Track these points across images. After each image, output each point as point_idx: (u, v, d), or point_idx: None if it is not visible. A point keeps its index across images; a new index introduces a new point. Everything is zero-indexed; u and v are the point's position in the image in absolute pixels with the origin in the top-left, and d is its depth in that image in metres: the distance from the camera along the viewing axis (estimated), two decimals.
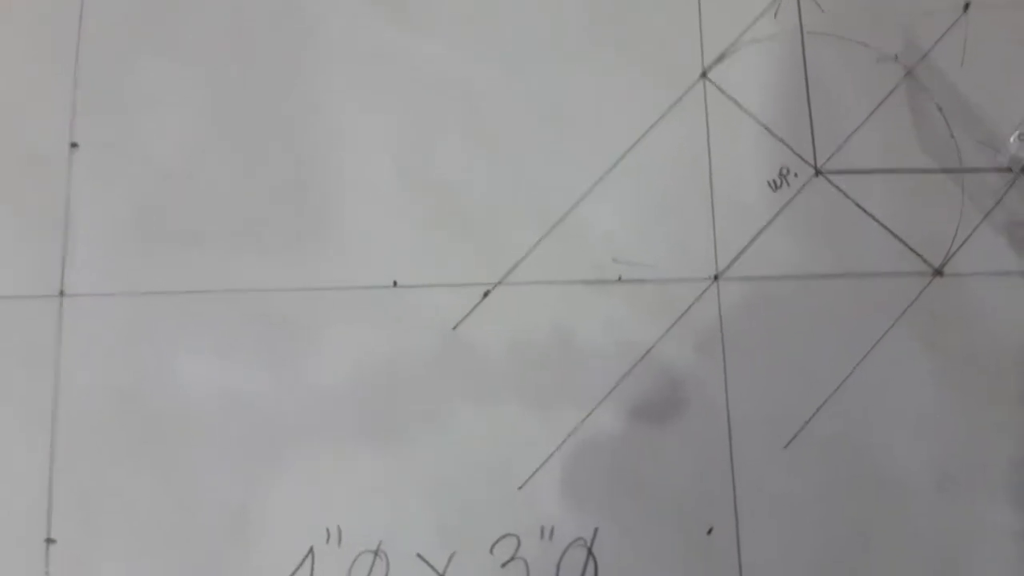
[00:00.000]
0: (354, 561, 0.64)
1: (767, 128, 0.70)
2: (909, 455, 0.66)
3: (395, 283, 0.67)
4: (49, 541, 0.64)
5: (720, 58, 0.71)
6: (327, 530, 0.64)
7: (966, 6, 0.73)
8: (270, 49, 0.71)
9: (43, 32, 0.70)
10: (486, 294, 0.67)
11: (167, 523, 0.64)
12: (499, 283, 0.67)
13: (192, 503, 0.65)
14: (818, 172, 0.70)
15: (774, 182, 0.69)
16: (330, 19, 0.71)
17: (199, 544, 0.64)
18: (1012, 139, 0.68)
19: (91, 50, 0.71)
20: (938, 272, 0.68)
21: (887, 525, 0.65)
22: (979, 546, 0.65)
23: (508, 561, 0.64)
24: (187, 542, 0.64)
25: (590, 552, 0.64)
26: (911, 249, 0.69)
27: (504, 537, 0.64)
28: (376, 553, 0.64)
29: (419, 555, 0.64)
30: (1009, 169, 0.69)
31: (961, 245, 0.69)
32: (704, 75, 0.71)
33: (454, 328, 0.67)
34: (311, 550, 0.64)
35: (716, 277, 0.68)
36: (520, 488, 0.65)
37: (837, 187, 0.69)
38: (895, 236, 0.69)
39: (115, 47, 0.71)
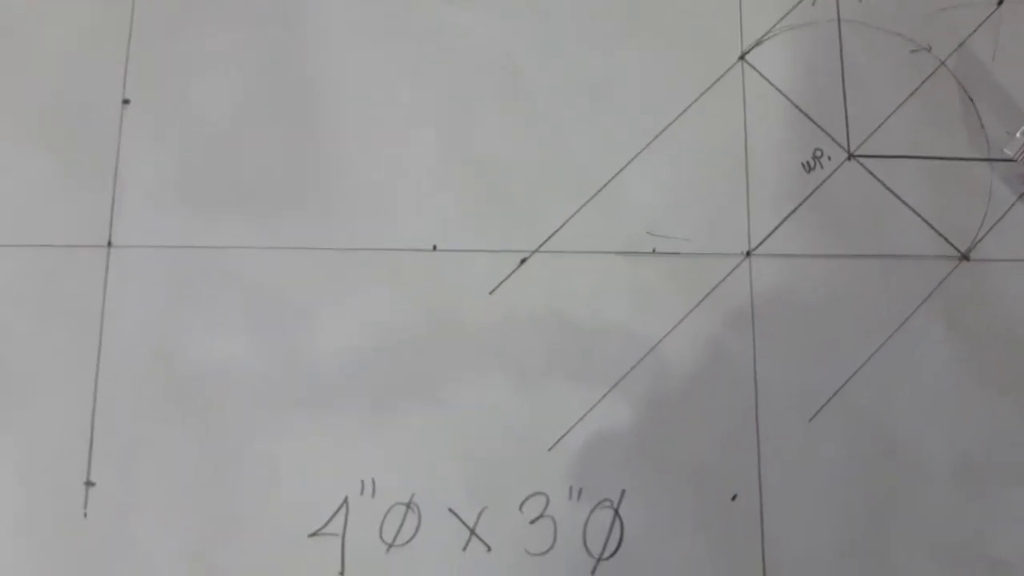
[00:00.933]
0: (387, 512, 0.65)
1: (802, 111, 0.72)
2: (929, 434, 0.67)
3: (435, 247, 0.69)
4: (88, 484, 0.66)
5: (758, 42, 0.73)
6: (362, 482, 0.66)
7: (1000, 1, 0.74)
8: (321, 18, 0.72)
9: None
10: (523, 261, 0.69)
11: (204, 472, 0.66)
12: (536, 251, 0.69)
13: (228, 453, 0.66)
14: (851, 156, 0.71)
15: (808, 164, 0.71)
16: None
17: (234, 493, 0.66)
18: (1019, 133, 0.70)
19: (146, 9, 0.72)
20: (964, 257, 0.70)
21: (906, 501, 0.66)
22: (995, 527, 0.67)
23: (537, 518, 0.65)
24: (223, 491, 0.66)
25: (617, 513, 0.66)
26: (939, 234, 0.70)
27: (533, 495, 0.66)
28: (408, 506, 0.65)
29: (450, 509, 0.65)
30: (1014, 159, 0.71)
31: (988, 231, 0.70)
32: (742, 58, 0.73)
33: (491, 293, 0.69)
34: (346, 500, 0.65)
35: (748, 253, 0.69)
36: (550, 449, 0.66)
37: (869, 171, 0.71)
38: (924, 220, 0.70)
39: (169, 7, 0.72)
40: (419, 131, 0.71)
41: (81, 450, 0.66)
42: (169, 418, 0.67)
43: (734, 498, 0.66)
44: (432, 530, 0.65)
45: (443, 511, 0.65)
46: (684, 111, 0.71)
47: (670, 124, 0.71)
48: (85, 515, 0.66)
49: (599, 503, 0.66)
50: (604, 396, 0.67)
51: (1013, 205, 0.71)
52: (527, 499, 0.66)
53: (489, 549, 0.65)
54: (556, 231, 0.69)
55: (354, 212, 0.69)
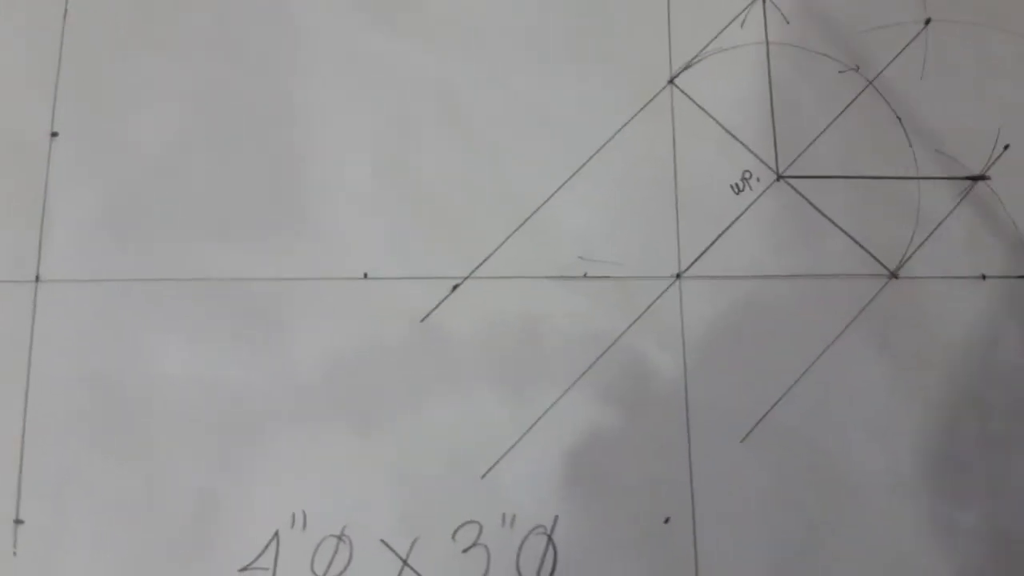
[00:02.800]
0: (318, 545, 0.65)
1: (731, 133, 0.72)
2: (862, 452, 0.68)
3: (366, 275, 0.69)
4: (17, 522, 0.65)
5: (687, 66, 0.74)
6: (293, 515, 0.65)
7: (927, 20, 0.75)
8: (251, 46, 0.72)
9: (27, 21, 0.72)
10: (455, 287, 0.69)
11: (135, 507, 0.65)
12: (468, 277, 0.69)
13: (160, 487, 0.66)
14: (779, 177, 0.72)
15: (737, 185, 0.71)
16: (312, 18, 0.73)
17: (166, 527, 0.65)
18: None
19: (74, 40, 0.72)
20: (894, 275, 0.71)
21: (840, 520, 0.67)
22: (928, 543, 0.67)
23: (470, 547, 0.65)
24: (154, 525, 0.65)
25: (550, 539, 0.65)
26: (868, 252, 0.71)
27: (466, 524, 0.65)
28: (340, 538, 0.65)
29: (382, 540, 0.65)
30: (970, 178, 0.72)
31: (916, 249, 0.71)
32: (671, 81, 0.73)
33: (423, 320, 0.68)
34: (276, 534, 0.65)
35: (679, 276, 0.70)
36: (483, 476, 0.66)
37: (798, 191, 0.72)
38: (853, 240, 0.71)
39: (98, 38, 0.72)
40: (354, 157, 0.71)
41: (9, 487, 0.65)
42: (99, 453, 0.66)
43: (667, 521, 0.66)
44: (364, 562, 0.65)
45: (375, 542, 0.65)
46: (614, 136, 0.71)
47: (600, 149, 0.71)
48: (15, 554, 0.65)
49: (533, 529, 0.66)
50: (537, 421, 0.67)
51: (941, 222, 0.72)
52: (460, 527, 0.65)
53: None
54: (488, 257, 0.69)
55: (286, 241, 0.69)
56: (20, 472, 0.66)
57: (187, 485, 0.65)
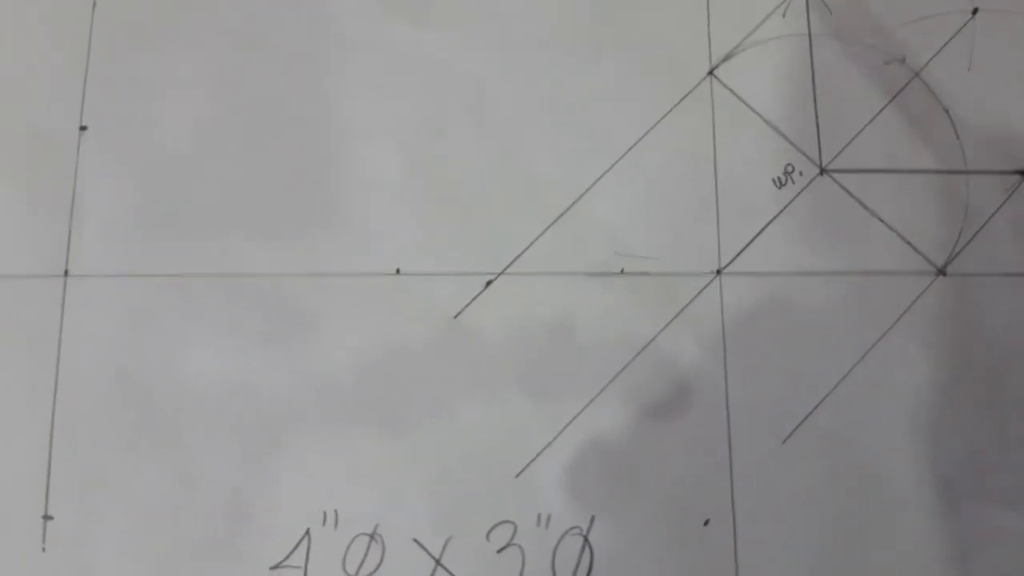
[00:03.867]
0: (350, 544, 0.64)
1: (773, 126, 0.70)
2: (907, 455, 0.66)
3: (398, 271, 0.68)
4: (46, 518, 0.64)
5: (727, 56, 0.72)
6: (324, 513, 0.64)
7: (974, 10, 0.73)
8: (281, 38, 0.71)
9: (56, 14, 0.71)
10: (488, 284, 0.67)
11: (164, 504, 0.64)
12: (501, 273, 0.68)
13: (189, 485, 0.65)
14: (823, 171, 0.70)
15: (779, 179, 0.69)
16: (342, 9, 0.72)
17: (195, 525, 0.64)
18: None
19: (104, 33, 0.71)
20: (941, 272, 0.68)
21: (884, 524, 0.65)
22: (977, 549, 0.65)
23: (504, 547, 0.64)
24: (183, 523, 0.64)
25: (586, 540, 0.64)
26: (914, 249, 0.69)
27: (500, 524, 0.64)
28: (372, 536, 0.64)
29: (415, 539, 0.64)
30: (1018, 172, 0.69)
31: (965, 246, 0.69)
32: (711, 73, 0.71)
33: (455, 317, 0.67)
34: (307, 532, 0.64)
35: (719, 272, 0.68)
36: (517, 476, 0.65)
37: (842, 186, 0.70)
38: (899, 235, 0.69)
39: (128, 30, 0.71)
40: (385, 150, 0.69)
41: (38, 483, 0.65)
42: (129, 449, 0.65)
43: (707, 523, 0.64)
44: (396, 561, 0.64)
45: (407, 542, 0.64)
46: (652, 128, 0.70)
47: (638, 141, 0.69)
48: (43, 550, 0.64)
49: (568, 530, 0.64)
50: (572, 420, 0.65)
51: (991, 218, 0.70)
52: (494, 527, 0.64)
53: None
54: (522, 252, 0.68)
55: (317, 236, 0.68)
56: (49, 468, 0.65)
57: (217, 483, 0.64)
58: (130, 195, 0.69)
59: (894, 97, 0.72)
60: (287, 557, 0.64)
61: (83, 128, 0.70)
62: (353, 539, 0.64)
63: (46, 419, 0.65)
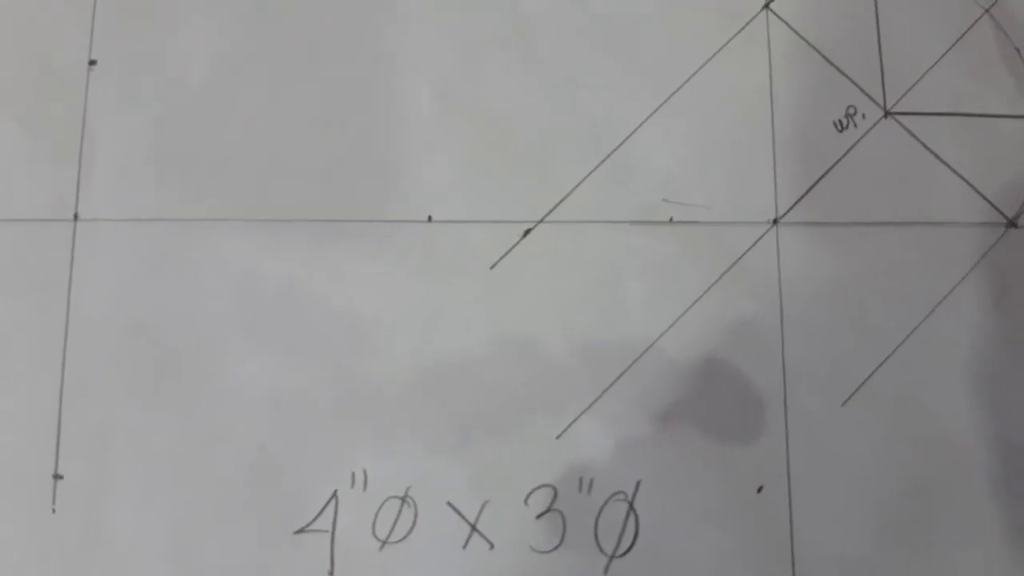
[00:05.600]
0: (380, 507, 0.60)
1: (834, 65, 0.65)
2: (973, 417, 0.62)
3: (430, 218, 0.63)
4: (57, 477, 0.61)
5: None
6: (352, 474, 0.60)
7: None
8: None
9: None
10: (526, 233, 0.63)
11: (181, 462, 0.61)
12: (541, 221, 0.63)
13: (208, 442, 0.61)
14: (887, 113, 0.65)
15: (840, 122, 0.65)
16: None
17: (215, 485, 0.61)
18: None
19: None
20: (1012, 224, 0.64)
21: (946, 491, 0.61)
22: None
23: (543, 513, 0.60)
24: (202, 483, 0.61)
25: (631, 507, 0.60)
26: (984, 198, 0.64)
27: (540, 488, 0.60)
28: (404, 500, 0.60)
29: (449, 503, 0.60)
30: None
31: None
32: (767, 6, 0.66)
33: (491, 267, 0.63)
34: (335, 494, 0.60)
35: (775, 221, 0.63)
36: (558, 437, 0.61)
37: (907, 129, 0.65)
38: (967, 184, 0.64)
39: None
40: (413, 88, 0.64)
41: (48, 440, 0.61)
42: (143, 404, 0.61)
43: (760, 490, 0.60)
44: (430, 526, 0.60)
45: (441, 505, 0.60)
46: (703, 65, 0.65)
47: (688, 79, 0.64)
48: (53, 510, 0.61)
49: (612, 496, 0.60)
50: (617, 379, 0.61)
51: None
52: (533, 491, 0.60)
53: (492, 546, 0.60)
54: (563, 199, 0.63)
55: (342, 180, 0.63)
56: (59, 424, 0.61)
57: (238, 441, 0.61)
58: (143, 134, 0.64)
59: (964, 35, 0.66)
60: (313, 521, 0.60)
61: (92, 63, 0.66)
62: (383, 502, 0.60)
63: (56, 372, 0.62)
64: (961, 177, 0.64)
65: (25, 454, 0.61)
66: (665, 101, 0.64)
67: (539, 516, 0.60)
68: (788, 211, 0.63)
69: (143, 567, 0.60)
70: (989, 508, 0.61)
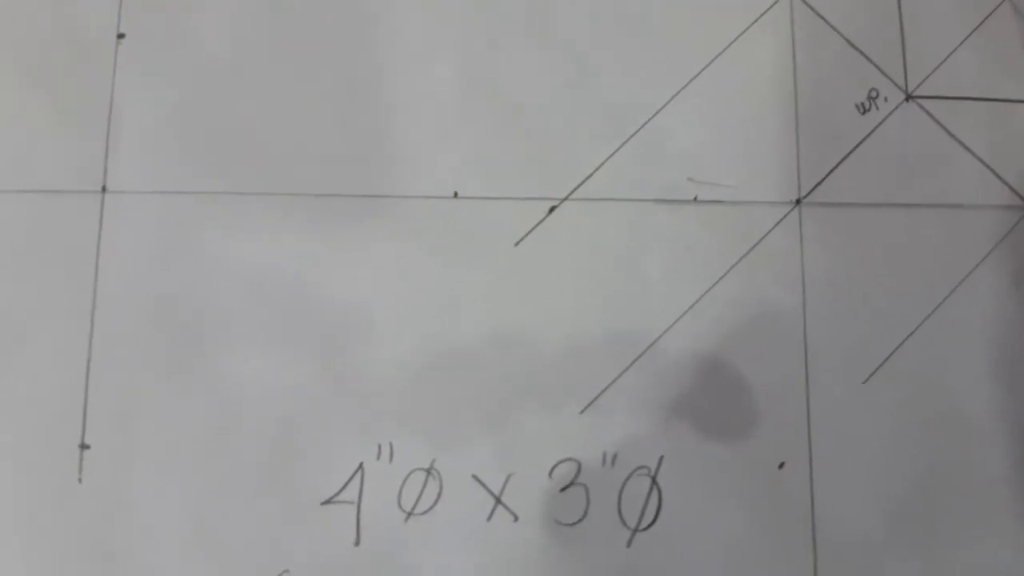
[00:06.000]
0: (406, 479, 0.60)
1: (856, 47, 0.66)
2: (992, 398, 0.62)
3: (455, 194, 0.63)
4: (83, 447, 0.61)
5: None
6: (378, 446, 0.61)
7: None
8: None
9: None
10: (552, 210, 0.63)
11: (208, 434, 0.61)
12: (566, 198, 0.63)
13: (234, 414, 0.61)
14: (909, 97, 0.65)
15: (862, 105, 0.65)
16: None
17: (241, 456, 0.61)
18: None
19: None
20: None
21: (966, 469, 0.61)
22: None
23: (567, 486, 0.60)
24: (227, 454, 0.61)
25: (654, 481, 0.60)
26: (1004, 182, 0.64)
27: (564, 461, 0.61)
28: (429, 472, 0.61)
29: (474, 476, 0.60)
30: None
31: None
32: None
33: (516, 244, 0.63)
34: (361, 466, 0.60)
35: (798, 201, 0.64)
36: (582, 412, 0.61)
37: (929, 113, 0.65)
38: (987, 167, 0.64)
39: None
40: (438, 66, 0.65)
41: (75, 410, 0.61)
42: (170, 375, 0.62)
43: (781, 466, 0.61)
44: (455, 498, 0.60)
45: (466, 478, 0.60)
46: (728, 46, 0.65)
47: (713, 60, 0.65)
48: (80, 480, 0.61)
49: (635, 470, 0.61)
50: (640, 355, 0.62)
51: None
52: (557, 465, 0.61)
53: (516, 519, 0.60)
54: (588, 176, 0.64)
55: (367, 156, 0.64)
56: (86, 394, 0.61)
57: (264, 413, 0.61)
58: (171, 106, 0.65)
59: (986, 18, 0.67)
60: (339, 492, 0.60)
61: (120, 36, 0.66)
62: (409, 474, 0.60)
63: (83, 343, 0.62)
64: (981, 160, 0.65)
65: (52, 424, 0.62)
66: (691, 80, 0.65)
67: (563, 489, 0.61)
68: (811, 191, 0.64)
69: (169, 536, 0.60)
70: (1004, 488, 0.61)
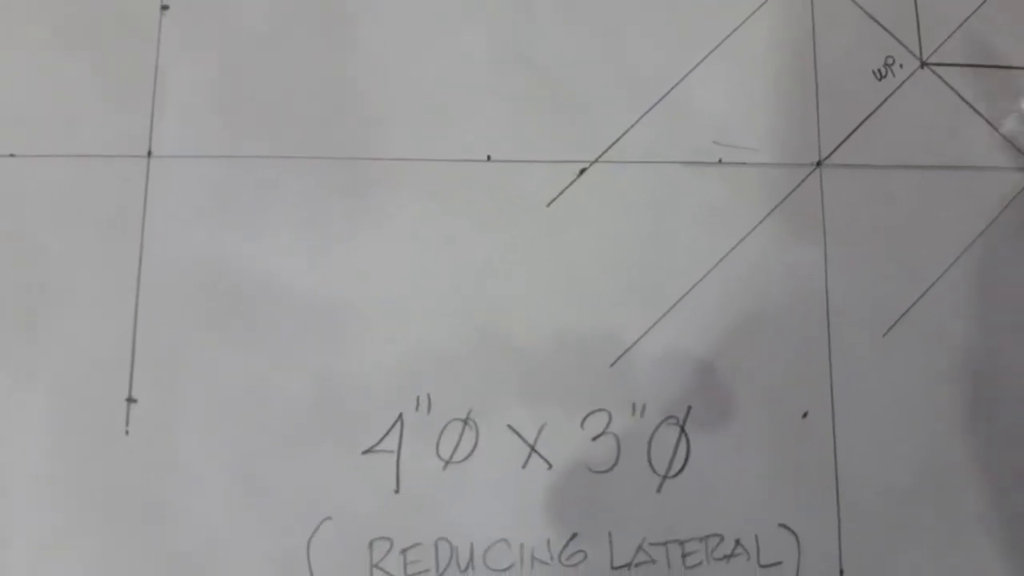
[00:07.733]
0: (443, 429, 0.63)
1: (873, 17, 0.68)
2: (1008, 350, 0.65)
3: (489, 157, 0.66)
4: (130, 400, 0.63)
5: None
6: (417, 398, 0.63)
7: None
8: None
9: None
10: (582, 172, 0.66)
11: (251, 387, 0.63)
12: (596, 161, 0.66)
13: (275, 370, 0.63)
14: (923, 64, 0.68)
15: (879, 71, 0.68)
16: None
17: (283, 408, 0.63)
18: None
19: None
20: None
21: (985, 418, 0.64)
22: None
23: (599, 435, 0.63)
24: (271, 406, 0.63)
25: (683, 431, 0.63)
26: (1013, 146, 0.67)
27: (595, 412, 0.63)
28: (466, 422, 0.63)
29: (509, 426, 0.63)
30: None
31: None
32: None
33: (548, 205, 0.65)
34: (400, 416, 0.63)
35: (819, 163, 0.66)
36: (612, 365, 0.63)
37: (942, 79, 0.68)
38: (998, 132, 0.67)
39: None
40: (470, 32, 0.67)
41: (122, 365, 0.64)
42: (214, 331, 0.64)
43: (805, 415, 0.63)
44: (490, 447, 0.63)
45: (502, 428, 0.63)
46: (751, 15, 0.68)
47: (737, 28, 0.67)
48: (127, 432, 0.63)
49: (664, 420, 0.63)
50: (668, 311, 0.64)
51: None
52: (588, 415, 0.63)
53: (550, 466, 0.62)
54: (617, 140, 0.66)
55: (402, 120, 0.66)
56: (133, 350, 0.64)
57: (305, 368, 0.63)
58: (214, 74, 0.67)
59: None
60: (379, 442, 0.63)
61: (164, 7, 0.68)
62: (447, 424, 0.63)
63: (130, 301, 0.64)
64: (991, 125, 0.67)
65: (101, 379, 0.64)
66: (715, 48, 0.67)
67: (595, 438, 0.63)
68: (831, 153, 0.66)
69: (213, 486, 0.62)
70: (1020, 438, 0.64)
